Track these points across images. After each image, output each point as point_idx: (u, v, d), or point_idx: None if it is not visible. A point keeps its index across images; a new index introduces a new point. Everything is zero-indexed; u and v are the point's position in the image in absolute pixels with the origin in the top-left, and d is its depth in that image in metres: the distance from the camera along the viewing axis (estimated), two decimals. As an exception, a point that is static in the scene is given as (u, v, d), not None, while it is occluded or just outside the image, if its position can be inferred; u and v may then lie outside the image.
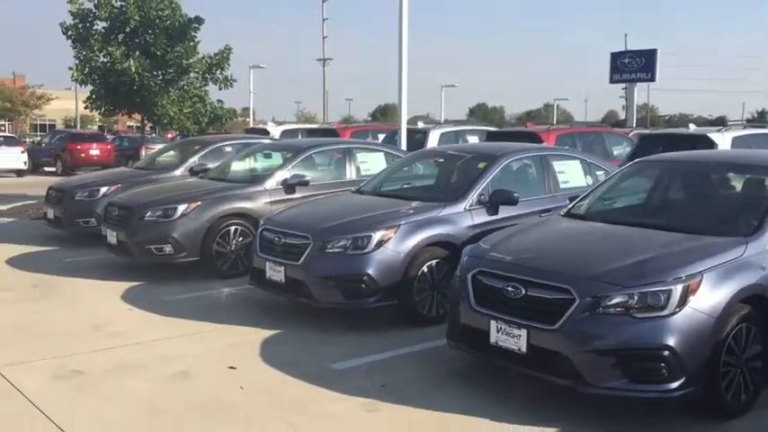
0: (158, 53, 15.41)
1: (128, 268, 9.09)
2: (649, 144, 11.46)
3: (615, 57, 42.72)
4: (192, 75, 16.13)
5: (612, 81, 44.51)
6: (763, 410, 4.81)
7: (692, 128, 12.22)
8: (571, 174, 8.25)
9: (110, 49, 15.35)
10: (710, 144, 10.49)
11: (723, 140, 10.59)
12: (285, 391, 5.19)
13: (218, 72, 16.30)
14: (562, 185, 7.96)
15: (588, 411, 4.73)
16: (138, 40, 15.72)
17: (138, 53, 15.44)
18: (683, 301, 4.43)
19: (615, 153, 13.98)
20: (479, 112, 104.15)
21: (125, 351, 6.05)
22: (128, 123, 60.97)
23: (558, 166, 8.12)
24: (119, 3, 15.67)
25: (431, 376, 5.50)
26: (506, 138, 13.36)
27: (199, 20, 15.86)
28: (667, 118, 79.09)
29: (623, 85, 47.44)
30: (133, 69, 15.07)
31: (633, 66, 42.81)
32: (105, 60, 15.69)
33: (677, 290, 4.44)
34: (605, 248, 5.15)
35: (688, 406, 4.66)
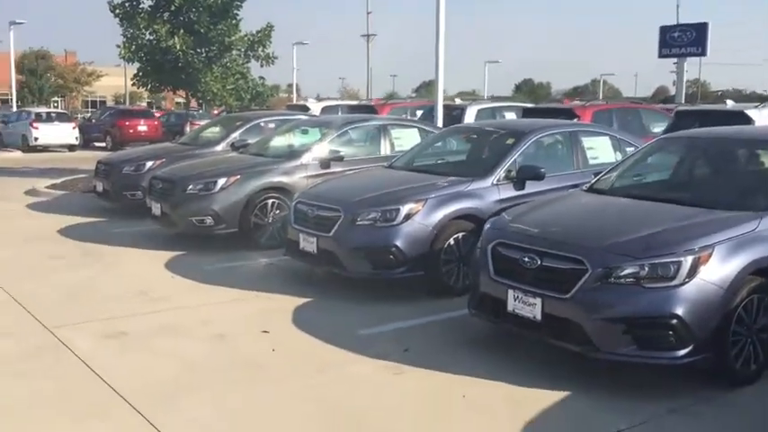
0: (202, 31, 15.80)
1: (171, 239, 9.53)
2: (686, 120, 11.42)
3: (664, 30, 41.72)
4: (234, 52, 16.50)
5: (661, 56, 43.54)
6: (773, 379, 4.96)
7: (730, 104, 12.12)
8: (600, 150, 8.34)
9: (155, 26, 15.79)
10: (747, 120, 10.43)
11: (760, 117, 10.52)
12: (313, 353, 5.52)
13: (259, 49, 16.62)
14: (591, 161, 8.07)
15: (600, 377, 4.94)
16: (182, 18, 16.12)
17: (182, 31, 15.86)
18: (692, 273, 4.60)
19: (655, 130, 13.93)
20: (525, 89, 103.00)
21: (167, 315, 6.46)
22: (175, 100, 61.97)
23: (587, 142, 8.23)
24: (164, -19, 16.08)
25: (452, 343, 5.77)
26: (542, 114, 13.41)
27: (241, -3, 16.18)
28: (720, 93, 77.10)
29: (674, 59, 46.50)
30: (178, 47, 15.50)
31: (683, 40, 41.76)
32: (151, 38, 16.16)
33: (687, 261, 4.61)
34: (620, 221, 5.32)
35: (699, 373, 4.84)
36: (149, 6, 16.27)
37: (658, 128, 14.08)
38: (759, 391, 4.83)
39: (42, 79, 61.85)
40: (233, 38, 16.05)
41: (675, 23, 44.05)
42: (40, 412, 4.44)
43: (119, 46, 16.27)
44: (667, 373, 4.92)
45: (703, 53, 42.63)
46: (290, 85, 55.02)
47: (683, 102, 31.10)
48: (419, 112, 17.04)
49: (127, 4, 16.20)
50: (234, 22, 16.07)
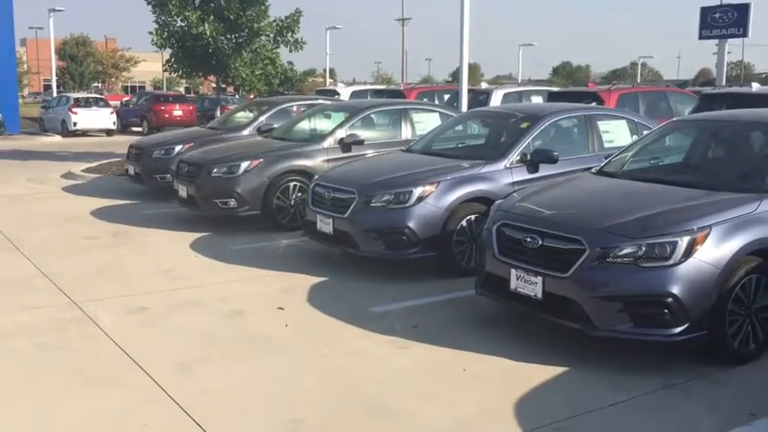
0: (231, 17, 16.08)
1: (197, 220, 9.84)
2: (712, 103, 11.34)
3: (705, 11, 40.78)
4: (263, 38, 16.75)
5: (702, 37, 42.60)
6: (770, 359, 5.04)
7: (756, 87, 11.97)
8: (617, 133, 8.40)
9: (186, 13, 16.12)
10: (773, 103, 10.31)
11: (786, 100, 10.38)
12: (324, 328, 5.75)
13: (288, 35, 16.84)
14: (607, 145, 8.13)
15: (599, 354, 5.07)
16: (212, 5, 16.42)
17: (212, 17, 16.16)
18: (688, 253, 4.70)
19: (685, 113, 13.81)
20: (563, 72, 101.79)
21: (188, 292, 6.74)
22: (212, 85, 62.82)
23: (603, 125, 8.29)
24: (194, -31, 16.37)
25: (460, 321, 5.94)
26: (567, 98, 13.41)
27: (270, -17, 16.41)
28: (765, 75, 75.28)
29: (715, 41, 45.57)
30: (208, 33, 15.81)
31: (724, 21, 40.84)
32: (182, 24, 16.48)
33: (683, 241, 4.70)
34: (622, 203, 5.42)
35: (698, 352, 4.95)
36: (180, -6, 16.59)
37: (687, 111, 13.98)
38: (754, 369, 4.91)
39: (83, 65, 63.15)
40: (262, 24, 16.31)
41: (717, 4, 43.23)
42: (59, 380, 4.73)
43: (151, 33, 16.65)
44: (667, 352, 5.03)
45: (744, 34, 41.62)
46: (325, 70, 55.28)
47: (723, 84, 30.52)
48: (446, 97, 17.11)
49: (159, -8, 16.54)
50: (263, 8, 16.31)
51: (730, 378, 4.77)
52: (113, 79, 71.57)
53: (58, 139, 27.83)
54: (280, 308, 6.24)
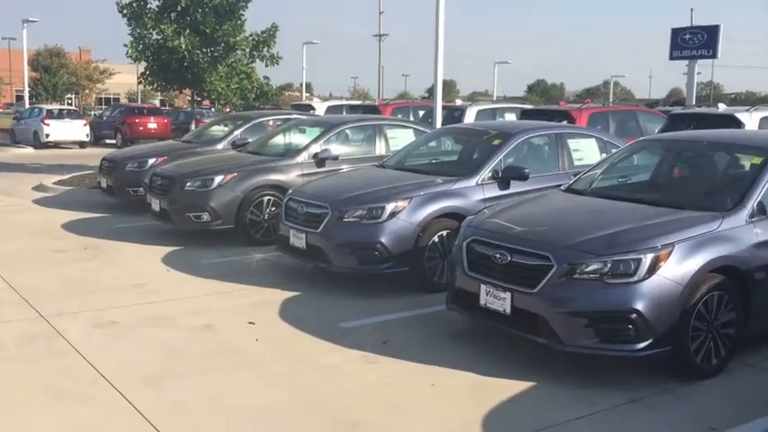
0: (207, 31, 16.08)
1: (170, 234, 9.80)
2: (679, 123, 11.62)
3: (676, 33, 41.55)
4: (239, 52, 16.77)
5: (672, 58, 43.40)
6: (737, 373, 5.15)
7: (722, 107, 12.27)
8: (586, 151, 8.54)
9: (162, 26, 16.09)
10: (737, 123, 10.61)
11: (750, 120, 10.68)
12: (294, 343, 5.77)
13: (264, 50, 16.88)
14: (577, 162, 8.26)
15: (567, 369, 5.15)
16: (188, 18, 16.41)
17: (188, 31, 16.16)
18: (652, 270, 4.80)
19: (655, 131, 14.06)
20: (538, 89, 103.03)
21: (158, 306, 6.71)
22: (188, 98, 62.56)
23: (573, 143, 8.43)
24: (171, -18, 16.36)
25: (431, 336, 5.99)
26: (539, 116, 13.59)
27: (246, -2, 16.46)
28: (733, 96, 76.80)
29: (685, 61, 46.44)
30: (183, 47, 15.80)
31: (694, 42, 41.69)
32: (158, 38, 16.46)
33: (647, 258, 4.81)
34: (589, 220, 5.52)
35: (664, 367, 5.04)
36: (156, 7, 16.57)
37: (657, 130, 14.24)
38: (717, 384, 5.02)
39: (56, 76, 62.53)
40: (238, 38, 16.33)
41: (687, 26, 44.09)
42: (25, 395, 4.70)
43: (126, 45, 16.59)
44: (631, 367, 5.13)
45: (714, 56, 42.42)
46: (301, 85, 55.41)
47: (693, 104, 31.08)
48: (421, 113, 17.25)
49: (134, 4, 16.51)
50: (239, 22, 16.35)
51: (693, 392, 4.87)
52: (87, 91, 70.95)
53: (29, 150, 27.49)
54: (251, 322, 6.24)
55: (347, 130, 10.46)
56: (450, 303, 5.87)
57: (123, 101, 68.17)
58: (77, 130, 29.10)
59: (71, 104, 57.30)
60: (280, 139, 10.94)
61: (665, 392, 4.85)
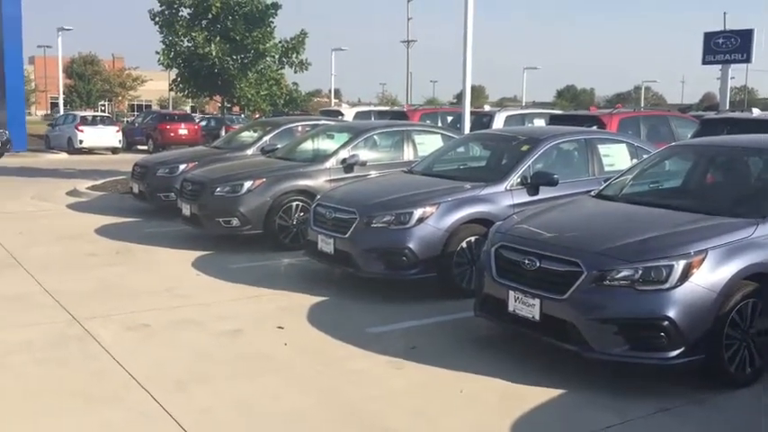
0: (237, 38, 16.22)
1: (200, 239, 9.90)
2: (713, 128, 11.41)
3: (708, 37, 41.04)
4: (268, 59, 16.89)
5: (705, 62, 42.81)
6: (768, 383, 5.05)
7: (756, 112, 12.05)
8: (617, 157, 8.45)
9: (193, 34, 16.27)
10: (772, 129, 10.37)
11: (786, 125, 10.45)
12: (322, 348, 5.78)
13: (293, 56, 16.98)
14: (607, 168, 8.17)
15: (598, 377, 5.08)
16: (218, 26, 16.57)
17: (218, 38, 16.31)
18: (684, 276, 4.73)
19: (688, 137, 13.86)
20: (568, 95, 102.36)
21: (188, 310, 6.78)
22: (218, 105, 63.28)
23: (603, 149, 8.35)
24: (202, -10, 16.54)
25: (459, 342, 5.97)
26: (568, 121, 13.48)
27: (276, 5, 16.59)
28: (768, 100, 75.54)
29: (719, 66, 45.78)
30: (214, 53, 15.96)
31: (727, 46, 41.11)
32: (189, 45, 16.64)
33: (679, 265, 4.74)
34: (619, 226, 5.46)
35: (696, 375, 4.96)
36: (188, 14, 16.77)
37: (689, 135, 14.04)
38: (752, 394, 4.92)
39: (90, 84, 63.61)
40: (267, 45, 16.45)
41: (720, 30, 43.49)
42: (57, 397, 4.76)
43: (158, 53, 16.81)
44: (663, 375, 5.05)
45: (748, 60, 41.76)
46: (330, 91, 55.75)
47: (726, 109, 30.66)
48: (449, 119, 17.22)
49: (166, 12, 16.72)
50: (268, 29, 16.47)
51: (726, 403, 4.78)
52: (120, 98, 72.05)
53: (64, 156, 28.01)
54: (279, 327, 6.27)
55: (375, 136, 10.48)
56: (479, 310, 5.84)
57: (155, 107, 69.07)
58: (110, 136, 29.59)
59: (104, 111, 58.15)
60: (308, 145, 11.00)
61: (698, 402, 4.77)
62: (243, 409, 4.60)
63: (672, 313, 4.69)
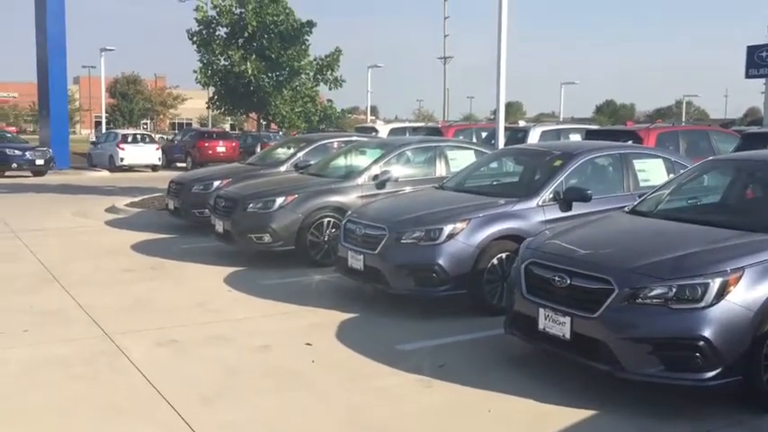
0: (273, 56, 16.47)
1: (232, 255, 9.96)
2: (754, 142, 11.18)
3: (752, 50, 40.33)
4: (303, 76, 17.07)
5: (748, 76, 42.06)
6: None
7: (799, 126, 11.73)
8: (653, 172, 8.28)
9: (230, 52, 16.57)
10: (816, 143, 10.11)
11: (830, 139, 10.17)
12: (350, 365, 5.74)
13: (328, 73, 17.13)
14: (642, 183, 8.01)
15: (630, 397, 4.95)
16: (254, 44, 16.85)
17: (254, 56, 16.57)
18: (720, 295, 4.58)
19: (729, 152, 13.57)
20: (607, 110, 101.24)
21: (219, 325, 6.80)
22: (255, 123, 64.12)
23: (638, 164, 8.19)
24: (238, 10, 16.82)
25: (488, 360, 5.87)
26: (605, 136, 13.27)
27: (311, 23, 16.79)
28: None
29: (763, 80, 44.89)
30: (250, 71, 16.21)
31: (772, 60, 40.42)
32: (225, 63, 16.92)
33: (715, 283, 4.60)
34: (652, 243, 5.33)
35: (732, 397, 4.79)
36: (224, 34, 17.06)
37: (730, 150, 13.73)
38: (794, 417, 4.73)
39: (132, 103, 65.05)
40: (302, 62, 16.64)
41: (764, 43, 42.66)
42: (87, 412, 4.80)
43: (195, 71, 17.11)
44: (699, 397, 4.89)
45: (792, 73, 41.07)
46: (366, 108, 56.04)
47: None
48: (484, 134, 17.14)
49: (204, 33, 17.03)
50: (303, 47, 16.66)
51: (765, 426, 4.61)
52: (161, 116, 73.51)
53: (105, 174, 28.56)
54: (308, 343, 6.25)
55: (408, 152, 10.46)
56: (509, 327, 5.74)
57: (195, 125, 70.26)
58: (150, 153, 30.11)
59: (146, 129, 59.33)
60: (341, 161, 11.02)
61: (736, 425, 4.60)
62: (269, 426, 4.57)
63: (707, 333, 4.54)
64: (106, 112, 47.91)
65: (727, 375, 4.59)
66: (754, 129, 14.45)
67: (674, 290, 4.67)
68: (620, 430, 4.55)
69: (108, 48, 41.43)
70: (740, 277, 4.63)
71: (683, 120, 56.15)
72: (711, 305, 4.58)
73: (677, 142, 12.97)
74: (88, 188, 20.94)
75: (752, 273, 4.67)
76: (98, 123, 60.06)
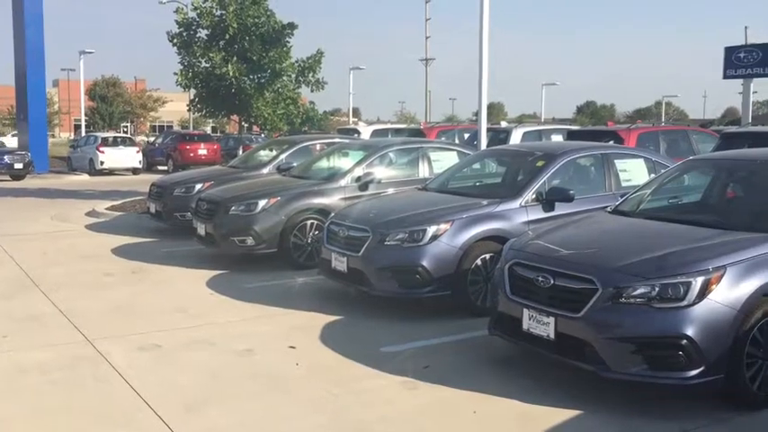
0: (254, 58, 16.40)
1: (215, 258, 9.89)
2: (733, 142, 11.26)
3: (729, 51, 40.77)
4: (284, 78, 17.02)
5: (726, 77, 42.53)
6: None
7: (778, 125, 11.86)
8: (634, 172, 8.32)
9: (210, 55, 16.47)
10: (794, 142, 10.19)
11: (808, 138, 10.27)
12: (334, 368, 5.71)
13: (309, 75, 17.09)
14: (624, 183, 8.05)
15: (615, 397, 4.96)
16: (236, 46, 16.77)
17: (235, 58, 16.49)
18: (702, 294, 4.61)
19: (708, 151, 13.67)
20: (587, 111, 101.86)
21: (201, 330, 6.74)
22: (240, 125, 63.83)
23: (620, 164, 8.23)
24: (219, 12, 16.73)
25: (473, 361, 5.86)
26: (586, 137, 13.36)
27: (292, 26, 16.75)
28: (795, 114, 74.63)
29: (740, 80, 45.42)
30: (231, 73, 16.13)
31: (749, 60, 40.76)
32: (206, 65, 16.82)
33: (697, 282, 4.62)
34: (635, 242, 5.35)
35: (715, 395, 4.82)
36: (205, 36, 16.96)
37: (709, 150, 13.84)
38: (776, 414, 4.77)
39: (112, 105, 64.49)
40: (284, 64, 16.59)
41: (741, 44, 43.15)
42: (68, 419, 4.73)
43: (176, 73, 16.99)
44: (683, 395, 4.91)
45: (770, 74, 41.55)
46: (349, 109, 56.02)
47: (749, 123, 30.34)
48: (466, 135, 17.17)
49: (184, 35, 16.92)
50: (285, 49, 16.61)
51: (749, 424, 4.65)
52: (141, 119, 72.95)
53: (85, 177, 28.30)
54: (291, 347, 6.21)
55: (390, 154, 10.44)
56: (493, 328, 5.74)
57: (176, 128, 69.78)
58: (131, 156, 29.87)
59: (126, 132, 58.92)
60: (323, 163, 10.98)
61: (719, 423, 4.63)
62: (253, 430, 4.52)
63: (690, 331, 4.57)
64: (86, 116, 47.48)
65: (710, 374, 4.62)
66: (733, 129, 14.58)
67: (657, 289, 4.69)
68: (604, 429, 4.55)
69: (87, 50, 41.06)
70: (722, 276, 4.66)
71: (663, 120, 56.72)
72: (694, 304, 4.60)
73: (657, 142, 13.07)
74: (68, 192, 20.73)
75: (733, 271, 4.70)
76: (77, 127, 59.52)
